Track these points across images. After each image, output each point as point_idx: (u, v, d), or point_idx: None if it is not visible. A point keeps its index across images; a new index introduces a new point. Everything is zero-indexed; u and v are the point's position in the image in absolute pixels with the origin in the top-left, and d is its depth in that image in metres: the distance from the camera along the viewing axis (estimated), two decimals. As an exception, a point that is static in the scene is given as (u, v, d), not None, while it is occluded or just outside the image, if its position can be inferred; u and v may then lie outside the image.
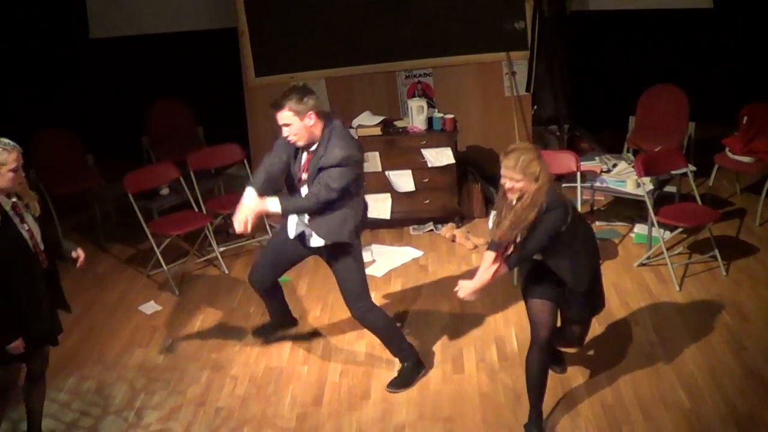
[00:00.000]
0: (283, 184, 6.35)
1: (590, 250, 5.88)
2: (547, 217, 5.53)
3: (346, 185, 6.03)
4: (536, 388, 5.89)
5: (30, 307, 5.47)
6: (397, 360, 6.76)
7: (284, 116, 5.96)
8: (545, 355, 5.89)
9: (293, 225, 6.48)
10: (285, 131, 6.04)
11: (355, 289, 6.49)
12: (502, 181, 5.60)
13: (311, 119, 5.97)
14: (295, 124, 5.97)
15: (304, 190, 6.19)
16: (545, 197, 5.50)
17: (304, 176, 6.18)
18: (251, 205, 6.11)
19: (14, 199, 5.44)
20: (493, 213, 5.96)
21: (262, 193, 6.16)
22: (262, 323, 7.55)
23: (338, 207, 6.16)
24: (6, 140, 5.38)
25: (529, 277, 6.04)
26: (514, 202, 5.61)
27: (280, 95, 5.99)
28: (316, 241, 6.37)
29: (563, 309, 6.02)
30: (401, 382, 6.65)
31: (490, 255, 5.85)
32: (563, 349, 6.59)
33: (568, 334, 6.24)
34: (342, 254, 6.43)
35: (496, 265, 5.81)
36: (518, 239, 5.68)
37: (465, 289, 5.91)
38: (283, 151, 6.24)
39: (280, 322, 7.33)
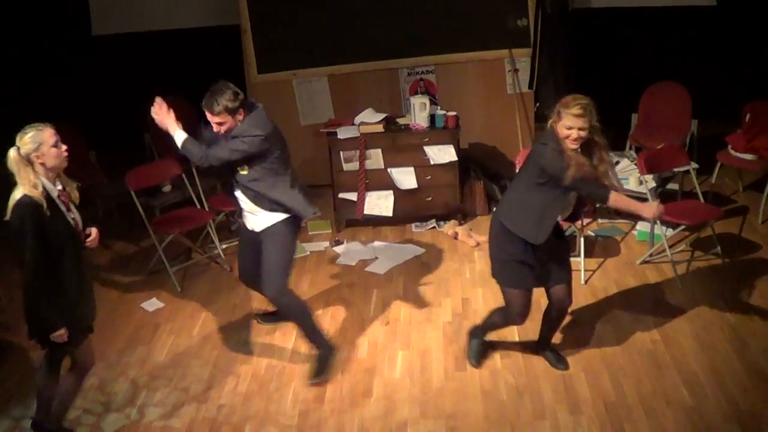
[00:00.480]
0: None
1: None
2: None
3: (246, 157, 6.40)
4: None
5: (79, 295, 5.60)
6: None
7: (220, 117, 6.33)
8: None
9: (247, 217, 6.75)
10: (217, 128, 6.40)
11: (273, 269, 6.63)
12: (572, 133, 5.89)
13: (241, 114, 6.37)
14: (229, 122, 6.35)
15: (244, 174, 6.53)
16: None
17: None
18: (171, 117, 6.64)
19: (59, 187, 5.51)
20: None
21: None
22: (265, 310, 7.66)
23: (272, 193, 6.52)
24: (33, 124, 5.48)
25: (506, 266, 6.18)
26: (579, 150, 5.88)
27: (211, 97, 6.36)
28: (255, 224, 6.69)
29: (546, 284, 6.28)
30: (318, 371, 6.77)
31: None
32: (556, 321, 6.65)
33: (559, 302, 6.42)
34: (272, 236, 6.62)
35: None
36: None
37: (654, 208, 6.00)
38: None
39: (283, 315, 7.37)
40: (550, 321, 6.60)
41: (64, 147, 5.55)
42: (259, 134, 6.33)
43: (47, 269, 5.37)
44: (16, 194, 5.29)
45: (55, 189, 5.47)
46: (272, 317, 7.58)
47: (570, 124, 5.80)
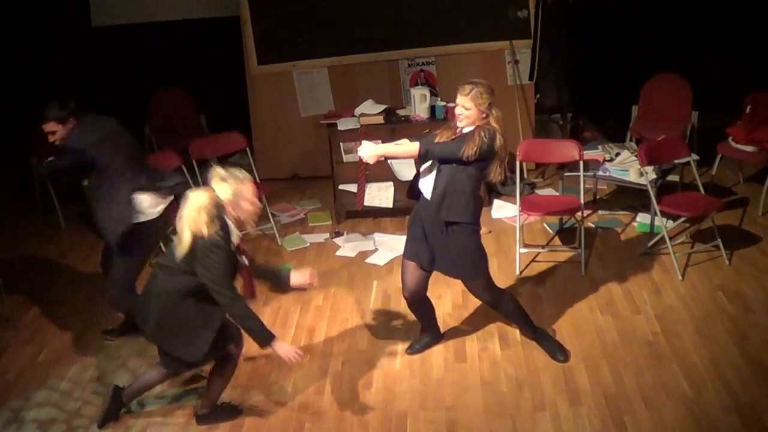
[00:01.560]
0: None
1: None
2: (468, 136, 6.03)
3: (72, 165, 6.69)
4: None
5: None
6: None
7: (51, 126, 6.64)
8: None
9: None
10: (52, 138, 6.67)
11: (117, 275, 6.84)
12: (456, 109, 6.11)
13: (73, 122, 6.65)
14: (60, 130, 6.66)
15: None
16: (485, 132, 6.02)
17: None
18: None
19: (240, 234, 5.59)
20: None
21: None
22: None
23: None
24: (236, 170, 5.50)
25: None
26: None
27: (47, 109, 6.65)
28: None
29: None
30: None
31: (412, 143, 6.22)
32: None
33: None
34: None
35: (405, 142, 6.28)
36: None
37: (369, 147, 6.19)
38: None
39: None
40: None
41: (259, 204, 5.61)
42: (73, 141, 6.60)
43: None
44: (204, 230, 5.34)
45: (238, 236, 5.58)
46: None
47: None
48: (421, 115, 9.27)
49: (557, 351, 6.71)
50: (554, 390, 6.32)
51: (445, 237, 6.24)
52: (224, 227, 5.38)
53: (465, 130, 6.08)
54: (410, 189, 6.52)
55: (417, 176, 6.37)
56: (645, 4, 11.25)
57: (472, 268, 6.44)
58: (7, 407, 6.47)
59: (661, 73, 10.21)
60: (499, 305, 6.70)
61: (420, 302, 6.74)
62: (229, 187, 5.40)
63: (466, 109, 6.00)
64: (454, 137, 6.12)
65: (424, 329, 7.01)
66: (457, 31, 10.22)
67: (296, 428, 6.07)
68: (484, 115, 6.03)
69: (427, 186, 6.24)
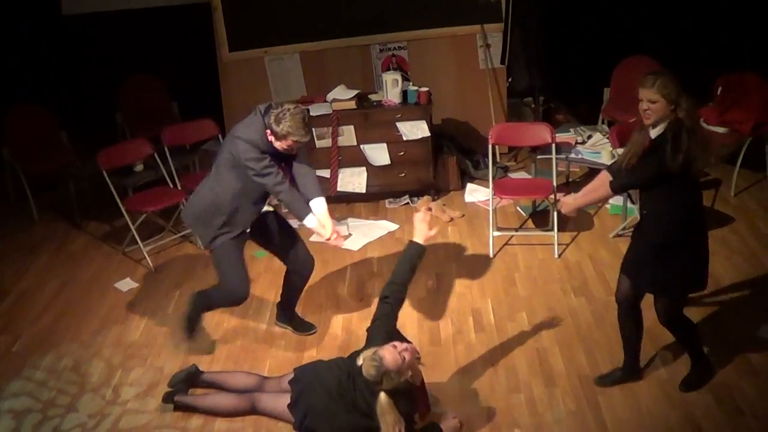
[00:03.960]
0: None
1: (688, 213, 5.70)
2: (661, 149, 5.42)
3: None
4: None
5: None
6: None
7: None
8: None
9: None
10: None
11: None
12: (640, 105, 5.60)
13: None
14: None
15: None
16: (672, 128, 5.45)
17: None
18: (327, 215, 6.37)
19: None
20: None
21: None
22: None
23: None
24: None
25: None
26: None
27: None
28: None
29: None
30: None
31: (606, 175, 5.83)
32: None
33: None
34: None
35: (603, 186, 5.80)
36: (629, 163, 5.66)
37: (568, 205, 5.94)
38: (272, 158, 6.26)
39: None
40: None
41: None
42: None
43: None
44: None
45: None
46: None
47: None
48: (393, 100, 9.26)
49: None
50: (529, 372, 6.34)
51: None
52: None
53: (653, 132, 5.59)
54: None
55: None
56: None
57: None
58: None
59: (632, 55, 10.22)
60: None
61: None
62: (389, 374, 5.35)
63: (652, 103, 5.53)
64: (644, 149, 5.61)
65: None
66: (429, 15, 10.21)
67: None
68: (673, 107, 5.49)
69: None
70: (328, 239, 6.35)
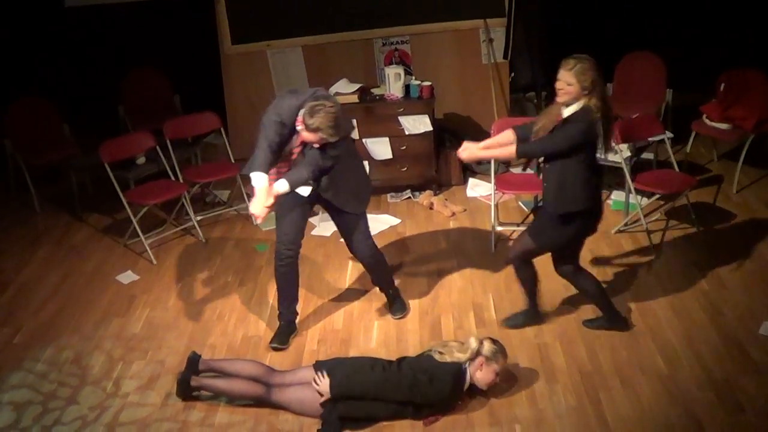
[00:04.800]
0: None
1: (587, 185, 6.05)
2: (570, 128, 5.87)
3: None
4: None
5: None
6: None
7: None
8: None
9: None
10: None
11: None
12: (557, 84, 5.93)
13: None
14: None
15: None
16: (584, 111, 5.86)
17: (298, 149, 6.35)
18: (264, 191, 6.20)
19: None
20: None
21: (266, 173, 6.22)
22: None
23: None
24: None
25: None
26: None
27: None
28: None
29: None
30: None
31: (512, 135, 6.23)
32: None
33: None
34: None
35: (508, 145, 6.17)
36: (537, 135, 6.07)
37: (470, 152, 6.31)
38: (282, 127, 6.23)
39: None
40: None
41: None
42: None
43: None
44: None
45: None
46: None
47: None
48: (396, 94, 9.26)
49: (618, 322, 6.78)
50: (530, 368, 6.33)
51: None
52: None
53: (565, 111, 5.94)
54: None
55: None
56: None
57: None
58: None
59: (635, 51, 10.21)
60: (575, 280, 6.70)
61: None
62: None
63: (568, 85, 5.84)
64: (555, 124, 5.99)
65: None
66: (432, 10, 10.20)
67: (271, 409, 6.06)
68: (586, 93, 5.83)
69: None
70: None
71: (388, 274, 7.24)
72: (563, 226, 6.13)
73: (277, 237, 6.73)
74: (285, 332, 6.88)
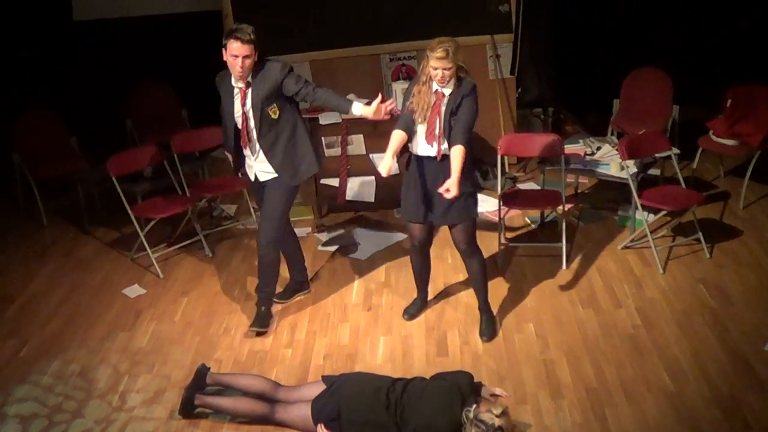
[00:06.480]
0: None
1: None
2: (471, 97, 6.51)
3: None
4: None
5: None
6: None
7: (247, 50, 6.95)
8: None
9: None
10: (241, 65, 6.99)
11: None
12: (434, 72, 6.52)
13: None
14: (252, 59, 7.04)
15: None
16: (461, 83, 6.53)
17: None
18: (372, 109, 7.03)
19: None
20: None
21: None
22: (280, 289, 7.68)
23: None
24: None
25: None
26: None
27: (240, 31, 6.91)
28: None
29: None
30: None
31: (399, 133, 6.78)
32: None
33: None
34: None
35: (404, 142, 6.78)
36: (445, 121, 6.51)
37: (385, 165, 6.70)
38: None
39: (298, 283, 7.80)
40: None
41: None
42: None
43: None
44: None
45: None
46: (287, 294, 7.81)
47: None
48: (403, 110, 9.28)
49: (488, 333, 6.97)
50: (536, 384, 6.33)
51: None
52: None
53: (446, 90, 6.58)
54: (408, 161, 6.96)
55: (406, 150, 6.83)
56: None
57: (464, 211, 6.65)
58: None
59: (642, 67, 10.21)
60: (473, 260, 6.88)
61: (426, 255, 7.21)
62: None
63: (448, 70, 6.47)
64: (437, 104, 6.52)
65: (419, 290, 7.40)
66: (439, 25, 10.15)
67: (275, 427, 6.05)
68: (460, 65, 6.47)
69: (429, 149, 6.64)
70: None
71: (272, 281, 7.31)
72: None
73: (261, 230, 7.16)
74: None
